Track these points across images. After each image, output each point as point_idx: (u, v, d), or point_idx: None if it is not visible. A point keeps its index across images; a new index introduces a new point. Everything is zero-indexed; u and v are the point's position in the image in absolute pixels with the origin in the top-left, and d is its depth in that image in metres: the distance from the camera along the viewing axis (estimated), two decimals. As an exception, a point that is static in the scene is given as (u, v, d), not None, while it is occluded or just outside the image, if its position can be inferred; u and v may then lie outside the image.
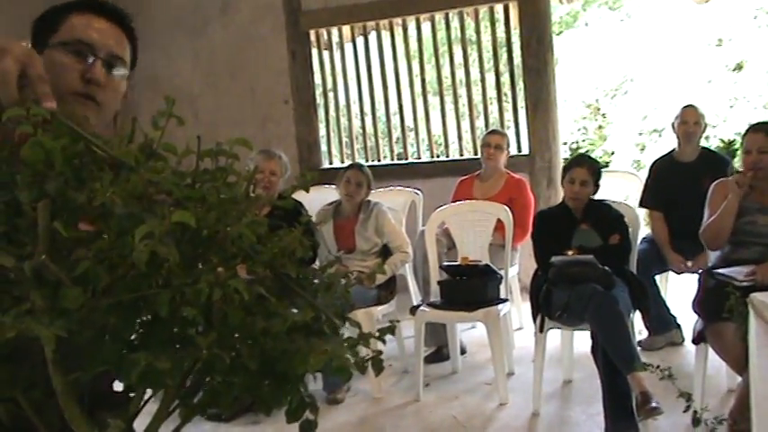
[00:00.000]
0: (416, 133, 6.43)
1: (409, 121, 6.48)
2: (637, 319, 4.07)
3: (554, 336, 4.20)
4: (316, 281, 1.03)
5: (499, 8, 5.97)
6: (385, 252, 4.53)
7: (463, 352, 4.80)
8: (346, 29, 6.43)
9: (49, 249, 0.85)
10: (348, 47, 6.49)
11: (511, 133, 6.06)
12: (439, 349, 4.75)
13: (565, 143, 10.47)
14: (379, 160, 6.56)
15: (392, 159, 6.54)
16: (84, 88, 1.44)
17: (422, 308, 4.29)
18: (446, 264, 4.33)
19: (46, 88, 1.06)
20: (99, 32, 1.51)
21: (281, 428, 4.03)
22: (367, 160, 6.58)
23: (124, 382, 0.84)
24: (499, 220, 4.52)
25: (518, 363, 4.53)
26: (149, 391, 0.94)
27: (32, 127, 0.88)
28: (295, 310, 0.92)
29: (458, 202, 4.82)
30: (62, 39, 1.48)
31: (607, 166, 9.71)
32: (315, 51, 6.51)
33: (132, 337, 0.85)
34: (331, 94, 6.59)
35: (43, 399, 0.95)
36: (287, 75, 6.51)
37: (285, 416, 1.01)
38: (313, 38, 6.49)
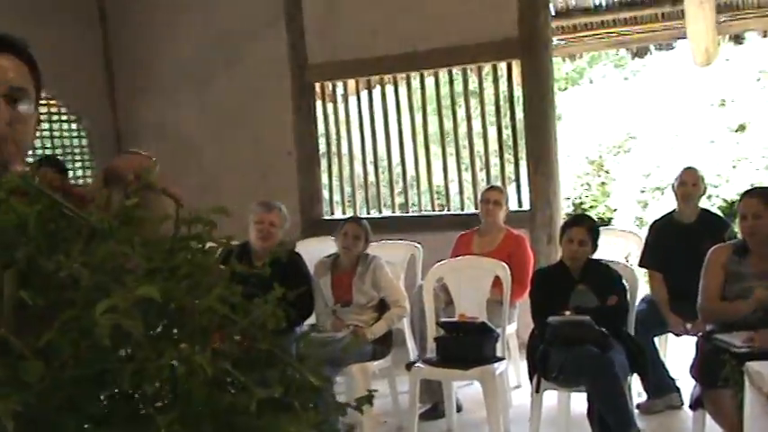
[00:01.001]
0: (418, 185, 6.46)
1: (412, 174, 6.51)
2: (635, 381, 4.02)
3: (551, 396, 4.15)
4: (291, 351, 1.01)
5: (502, 66, 6.03)
6: (382, 306, 4.51)
7: (459, 409, 4.73)
8: (351, 82, 6.50)
9: (15, 319, 0.84)
10: (352, 99, 6.55)
11: (512, 188, 6.09)
12: (435, 406, 4.69)
13: (567, 198, 10.50)
14: (380, 211, 6.57)
15: (393, 211, 6.55)
16: None
17: (417, 364, 4.25)
18: (443, 320, 4.31)
19: (12, 148, 1.03)
20: None
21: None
22: (368, 211, 6.60)
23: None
24: (497, 277, 4.50)
25: (515, 422, 4.46)
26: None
27: (5, 193, 0.88)
28: (263, 385, 0.90)
29: (456, 258, 4.81)
30: None
31: (609, 223, 9.72)
32: (319, 103, 6.57)
33: (97, 411, 0.84)
34: (334, 146, 6.63)
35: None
36: (291, 126, 6.56)
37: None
38: (318, 90, 6.55)
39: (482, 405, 4.28)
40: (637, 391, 4.31)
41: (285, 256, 4.63)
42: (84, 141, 7.11)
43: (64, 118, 6.97)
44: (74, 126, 7.05)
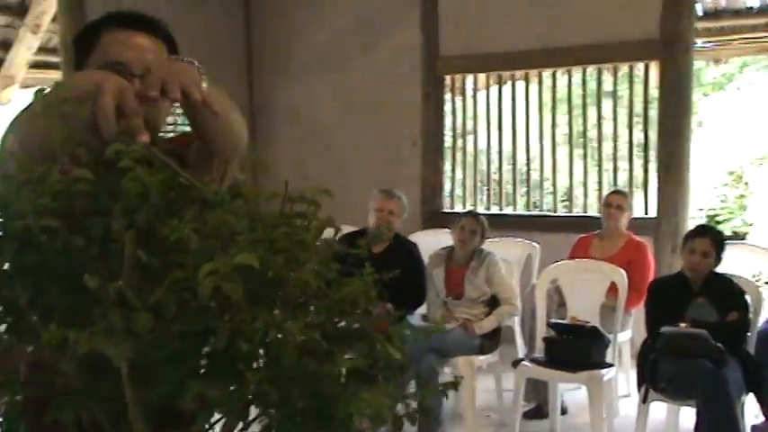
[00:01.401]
0: (542, 184, 6.40)
1: (537, 173, 6.45)
2: (750, 401, 3.87)
3: (660, 408, 4.05)
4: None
5: (640, 67, 5.88)
6: (493, 302, 4.52)
7: (564, 412, 4.69)
8: (482, 77, 6.50)
9: (132, 276, 0.94)
10: (482, 94, 6.55)
11: (639, 194, 5.94)
12: (539, 406, 4.66)
13: (701, 209, 10.10)
14: (501, 208, 6.55)
15: (515, 209, 6.51)
16: None
17: (524, 362, 4.24)
18: (553, 321, 4.27)
19: (140, 121, 1.12)
20: (131, 49, 1.49)
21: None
22: (489, 207, 6.60)
23: (181, 405, 0.91)
24: (613, 282, 4.42)
25: (620, 431, 4.38)
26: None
27: (132, 161, 0.98)
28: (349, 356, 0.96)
29: (572, 260, 4.75)
30: (98, 60, 1.47)
31: (744, 238, 9.29)
32: (448, 96, 6.61)
33: (197, 365, 0.92)
34: (460, 140, 6.65)
35: (118, 412, 1.03)
36: (418, 117, 6.63)
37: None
38: (448, 82, 6.59)
39: (587, 410, 4.23)
40: (754, 413, 4.15)
41: (402, 245, 4.73)
42: (222, 120, 7.41)
43: (204, 96, 7.30)
44: (213, 105, 7.36)
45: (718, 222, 9.92)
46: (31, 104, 1.11)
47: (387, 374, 1.03)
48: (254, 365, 0.89)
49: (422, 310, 4.75)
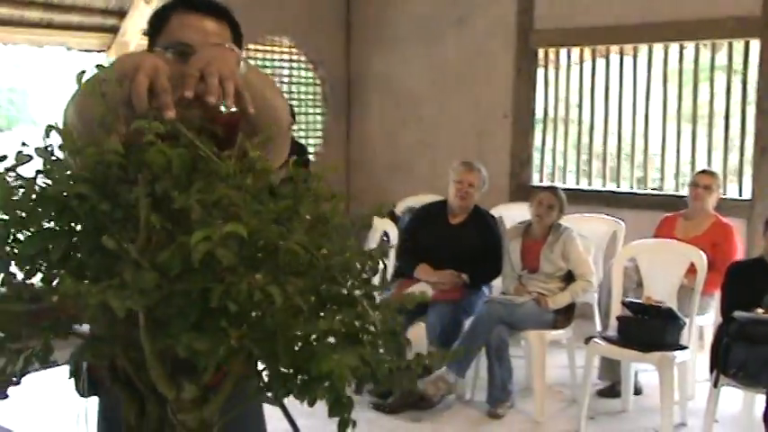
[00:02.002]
0: (632, 161, 6.29)
1: (627, 150, 6.34)
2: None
3: (736, 395, 3.99)
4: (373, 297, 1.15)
5: (739, 45, 5.67)
6: (569, 278, 4.52)
7: (639, 392, 4.67)
8: (575, 51, 6.41)
9: (146, 239, 1.06)
10: (575, 68, 6.46)
11: (734, 175, 5.76)
12: (613, 385, 4.66)
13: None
14: (590, 184, 6.48)
15: (604, 185, 6.42)
16: None
17: (595, 340, 4.24)
18: (628, 300, 4.25)
19: (168, 99, 1.23)
20: (197, 31, 1.59)
21: (439, 428, 4.25)
22: (578, 182, 6.54)
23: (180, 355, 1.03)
24: (693, 263, 4.34)
25: (693, 415, 4.32)
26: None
27: (154, 136, 1.09)
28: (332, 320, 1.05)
29: (651, 239, 4.69)
30: (165, 41, 1.58)
31: None
32: (540, 70, 6.55)
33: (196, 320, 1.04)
34: (551, 113, 6.59)
35: (139, 358, 1.16)
36: (510, 90, 6.61)
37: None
38: (541, 56, 6.53)
39: (663, 392, 4.21)
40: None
41: (481, 217, 4.78)
42: (318, 89, 7.59)
43: (302, 66, 7.48)
44: (310, 74, 7.55)
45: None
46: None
47: (375, 339, 1.12)
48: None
49: (497, 282, 4.80)
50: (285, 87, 7.37)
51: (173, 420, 1.17)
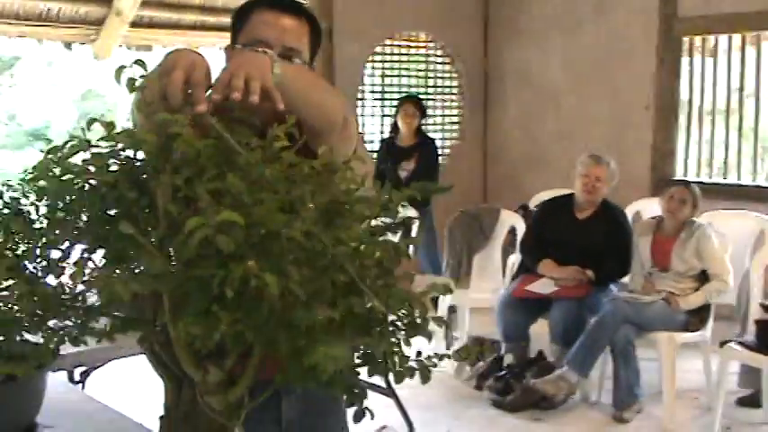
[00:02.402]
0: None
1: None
2: None
3: None
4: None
5: None
6: (703, 277, 4.27)
7: (784, 403, 4.34)
8: (723, 38, 6.04)
9: (166, 226, 1.10)
10: (722, 56, 6.09)
11: None
12: (755, 393, 4.35)
13: None
14: (739, 177, 6.09)
15: (754, 179, 6.01)
16: None
17: (731, 344, 3.98)
18: (766, 302, 3.96)
19: (200, 93, 1.27)
20: (274, 28, 1.66)
21: (560, 429, 4.18)
22: (725, 176, 6.16)
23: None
24: None
25: None
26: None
27: (180, 127, 1.13)
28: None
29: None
30: (245, 38, 1.67)
31: None
32: (685, 59, 6.21)
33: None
34: (697, 104, 6.24)
35: (167, 340, 1.20)
36: (651, 80, 6.32)
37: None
38: (686, 45, 6.20)
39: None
40: None
41: (609, 212, 4.61)
42: (456, 82, 7.56)
43: (440, 60, 7.48)
44: (447, 68, 7.53)
45: None
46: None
47: (383, 328, 1.10)
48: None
49: (626, 280, 4.61)
50: (422, 81, 7.41)
51: (201, 403, 1.21)
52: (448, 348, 5.09)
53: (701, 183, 5.71)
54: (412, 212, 5.20)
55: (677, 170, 6.32)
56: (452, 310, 5.27)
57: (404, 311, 1.14)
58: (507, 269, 5.22)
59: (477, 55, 7.55)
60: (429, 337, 1.17)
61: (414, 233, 5.33)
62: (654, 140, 6.35)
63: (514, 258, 5.25)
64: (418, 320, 1.16)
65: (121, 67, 1.24)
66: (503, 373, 4.45)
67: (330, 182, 1.17)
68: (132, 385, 4.34)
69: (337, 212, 1.14)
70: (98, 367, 3.01)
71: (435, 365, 1.14)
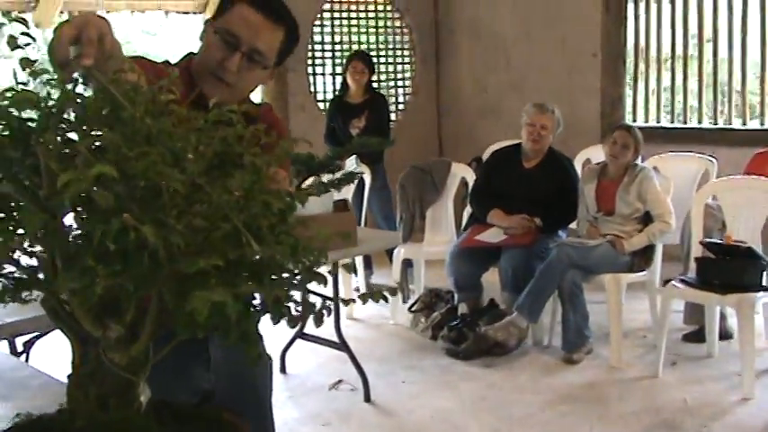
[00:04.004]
0: (730, 95, 5.93)
1: (723, 82, 5.98)
2: None
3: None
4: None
5: None
6: (647, 219, 4.36)
7: (728, 337, 4.46)
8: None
9: (51, 183, 1.11)
10: (666, 3, 6.12)
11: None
12: (699, 329, 4.48)
13: None
14: (685, 121, 6.17)
15: (700, 121, 6.09)
16: (218, 72, 1.71)
17: (673, 282, 4.08)
18: (706, 240, 4.05)
19: (89, 50, 1.28)
20: (250, 28, 1.73)
21: (512, 373, 4.28)
22: (673, 120, 6.24)
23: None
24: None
25: (783, 361, 4.12)
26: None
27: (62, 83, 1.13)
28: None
29: (733, 176, 4.43)
30: (221, 24, 1.74)
31: None
32: (631, 5, 6.24)
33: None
34: (642, 49, 6.29)
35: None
36: (598, 27, 6.34)
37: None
38: (631, -10, 6.22)
39: (758, 337, 4.02)
40: None
41: (556, 160, 4.66)
42: (407, 38, 7.53)
43: (389, 15, 7.43)
44: (398, 23, 7.48)
45: None
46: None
47: (264, 275, 1.12)
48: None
49: (574, 226, 4.69)
50: (373, 38, 7.36)
51: (104, 359, 1.22)
52: (404, 302, 5.15)
53: (648, 128, 5.82)
54: (364, 169, 5.23)
55: (626, 116, 6.38)
56: (408, 263, 5.32)
57: (301, 258, 1.16)
58: (463, 221, 5.27)
59: (427, 8, 7.51)
60: (324, 282, 1.19)
61: (366, 189, 5.37)
62: (602, 87, 6.40)
63: (468, 210, 5.31)
64: (312, 267, 1.18)
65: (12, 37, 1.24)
66: (456, 322, 4.52)
67: (219, 134, 1.18)
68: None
69: (230, 164, 1.16)
70: (42, 336, 3.01)
71: (330, 310, 1.17)
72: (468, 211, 5.30)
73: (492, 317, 4.49)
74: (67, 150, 1.11)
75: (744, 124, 5.87)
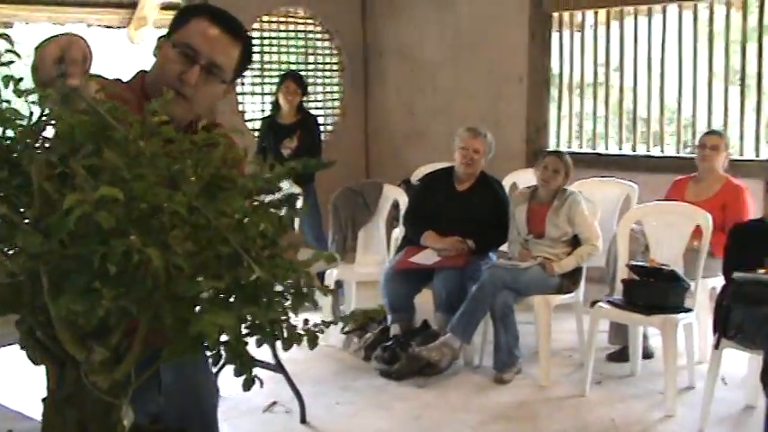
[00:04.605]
0: (648, 123, 6.20)
1: (642, 112, 6.24)
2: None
3: (743, 356, 3.95)
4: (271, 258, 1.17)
5: (755, 2, 5.53)
6: (575, 242, 4.50)
7: (649, 356, 4.63)
8: (590, 13, 6.31)
9: (42, 204, 1.09)
10: (589, 31, 6.37)
11: (751, 136, 5.64)
12: (623, 349, 4.64)
13: None
14: (607, 147, 6.41)
15: (620, 148, 6.34)
16: (177, 85, 1.70)
17: (600, 303, 4.22)
18: (632, 263, 4.22)
19: (75, 69, 1.28)
20: (208, 42, 1.75)
21: (445, 393, 4.30)
22: (595, 147, 6.47)
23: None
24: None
25: (703, 378, 4.29)
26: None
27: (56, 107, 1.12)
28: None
29: (656, 202, 4.64)
30: (178, 38, 1.75)
31: None
32: (555, 34, 6.46)
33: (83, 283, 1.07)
34: (567, 77, 6.51)
35: (48, 321, 1.19)
36: (525, 54, 6.54)
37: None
38: (555, 19, 6.44)
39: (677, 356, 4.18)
40: None
41: (487, 183, 4.77)
42: (335, 59, 7.58)
43: (319, 36, 7.47)
44: (327, 44, 7.54)
45: None
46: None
47: (268, 297, 1.14)
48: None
49: (505, 248, 4.80)
50: (302, 58, 7.39)
51: (86, 382, 1.20)
52: (336, 323, 5.14)
53: (572, 153, 6.01)
54: (296, 190, 5.23)
55: (550, 142, 6.58)
56: (339, 284, 5.33)
57: (290, 281, 1.18)
58: (391, 242, 5.34)
59: (357, 31, 7.59)
60: (315, 305, 1.22)
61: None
62: (528, 113, 6.59)
63: (398, 232, 5.37)
64: (304, 290, 1.20)
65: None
66: (389, 343, 4.55)
67: (211, 156, 1.19)
68: (11, 374, 4.22)
69: (220, 186, 1.17)
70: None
71: (322, 332, 1.18)
72: (396, 232, 5.37)
73: (424, 337, 4.54)
74: (60, 171, 1.11)
75: (662, 151, 6.12)
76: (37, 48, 1.32)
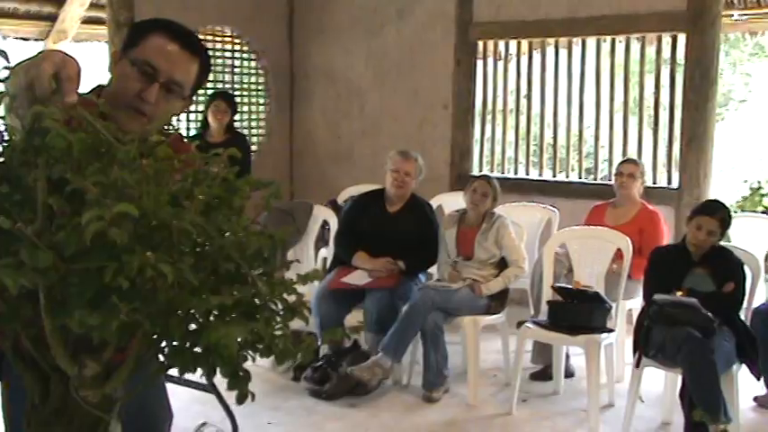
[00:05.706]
0: (567, 151, 6.45)
1: (562, 140, 6.49)
2: (746, 371, 3.94)
3: (659, 375, 4.15)
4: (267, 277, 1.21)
5: (667, 38, 5.86)
6: (502, 264, 4.64)
7: (571, 375, 4.80)
8: (513, 43, 6.55)
9: (44, 220, 1.11)
10: (512, 60, 6.60)
11: (664, 165, 5.95)
12: (546, 368, 4.79)
13: (745, 181, 9.95)
14: (527, 173, 6.63)
15: (540, 174, 6.58)
16: (136, 103, 1.70)
17: (526, 324, 4.36)
18: (557, 285, 4.38)
19: (71, 86, 1.30)
20: (167, 59, 1.73)
21: (376, 413, 4.34)
22: (516, 171, 6.68)
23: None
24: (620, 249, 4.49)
25: (622, 396, 4.47)
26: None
27: (52, 120, 1.14)
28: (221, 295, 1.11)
29: (580, 226, 4.84)
30: (136, 55, 1.73)
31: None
32: (480, 62, 6.66)
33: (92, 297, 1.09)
34: (490, 104, 6.72)
35: (40, 336, 1.20)
36: (450, 81, 6.72)
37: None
38: (480, 48, 6.64)
39: (597, 375, 4.35)
40: (760, 385, 4.23)
41: (418, 206, 4.87)
42: (261, 79, 7.60)
43: (245, 56, 7.48)
44: (253, 64, 7.55)
45: (763, 195, 9.77)
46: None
47: (269, 315, 1.18)
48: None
49: (434, 269, 4.91)
50: (228, 77, 7.38)
51: (75, 397, 1.21)
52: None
53: (495, 177, 6.21)
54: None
55: (474, 166, 6.76)
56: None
57: (283, 297, 1.22)
58: (318, 262, 5.37)
59: (283, 52, 7.63)
60: (306, 321, 1.27)
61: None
62: (453, 138, 6.75)
63: (326, 252, 5.41)
64: (295, 306, 1.25)
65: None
66: (319, 363, 4.58)
67: (205, 176, 1.23)
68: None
69: (215, 205, 1.21)
70: None
71: (318, 345, 1.23)
72: (324, 252, 5.41)
73: (354, 357, 4.58)
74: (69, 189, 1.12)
75: (580, 178, 6.38)
76: (16, 67, 1.32)
